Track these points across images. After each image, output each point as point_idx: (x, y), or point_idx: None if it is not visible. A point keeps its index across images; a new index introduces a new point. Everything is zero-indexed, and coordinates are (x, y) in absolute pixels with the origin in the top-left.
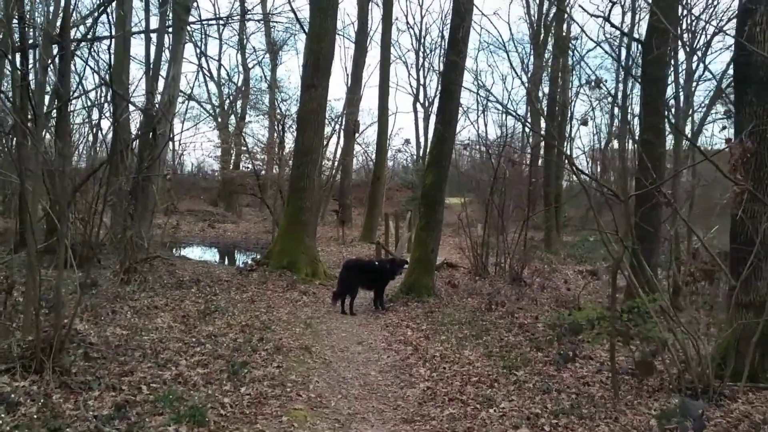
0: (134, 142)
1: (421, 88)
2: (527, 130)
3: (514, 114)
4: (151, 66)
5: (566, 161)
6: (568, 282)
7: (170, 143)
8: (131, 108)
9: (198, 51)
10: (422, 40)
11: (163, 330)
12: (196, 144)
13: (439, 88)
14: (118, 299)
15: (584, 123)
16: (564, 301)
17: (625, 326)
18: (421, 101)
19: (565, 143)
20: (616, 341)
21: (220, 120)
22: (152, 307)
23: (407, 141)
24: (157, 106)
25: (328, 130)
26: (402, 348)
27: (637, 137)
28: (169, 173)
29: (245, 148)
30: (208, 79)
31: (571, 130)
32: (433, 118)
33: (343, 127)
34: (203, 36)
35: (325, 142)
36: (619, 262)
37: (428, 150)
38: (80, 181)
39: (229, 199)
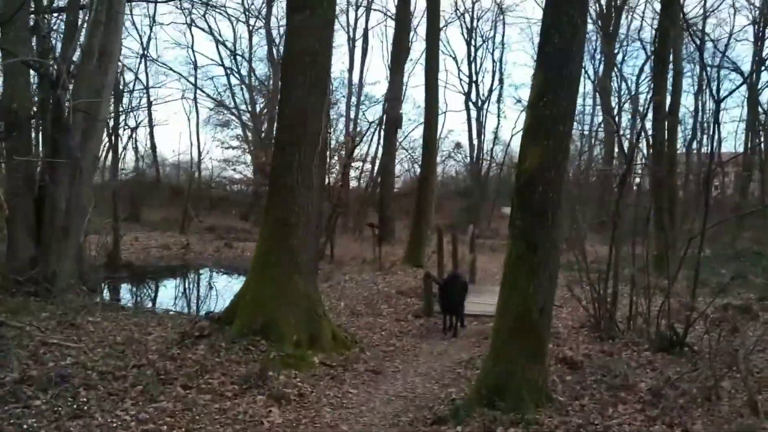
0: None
1: (473, 85)
2: None
3: None
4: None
5: None
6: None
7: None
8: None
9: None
10: (474, 30)
11: None
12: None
13: None
14: None
15: None
16: None
17: None
18: (473, 100)
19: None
20: None
21: (250, 125)
22: None
23: (458, 145)
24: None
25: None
26: None
27: None
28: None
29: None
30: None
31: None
32: (490, 119)
33: (384, 121)
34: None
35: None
36: None
37: (528, 102)
38: None
39: (259, 212)
